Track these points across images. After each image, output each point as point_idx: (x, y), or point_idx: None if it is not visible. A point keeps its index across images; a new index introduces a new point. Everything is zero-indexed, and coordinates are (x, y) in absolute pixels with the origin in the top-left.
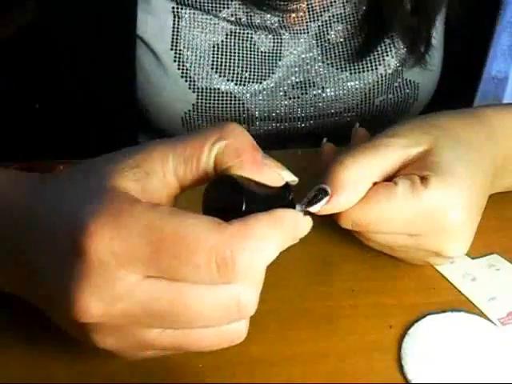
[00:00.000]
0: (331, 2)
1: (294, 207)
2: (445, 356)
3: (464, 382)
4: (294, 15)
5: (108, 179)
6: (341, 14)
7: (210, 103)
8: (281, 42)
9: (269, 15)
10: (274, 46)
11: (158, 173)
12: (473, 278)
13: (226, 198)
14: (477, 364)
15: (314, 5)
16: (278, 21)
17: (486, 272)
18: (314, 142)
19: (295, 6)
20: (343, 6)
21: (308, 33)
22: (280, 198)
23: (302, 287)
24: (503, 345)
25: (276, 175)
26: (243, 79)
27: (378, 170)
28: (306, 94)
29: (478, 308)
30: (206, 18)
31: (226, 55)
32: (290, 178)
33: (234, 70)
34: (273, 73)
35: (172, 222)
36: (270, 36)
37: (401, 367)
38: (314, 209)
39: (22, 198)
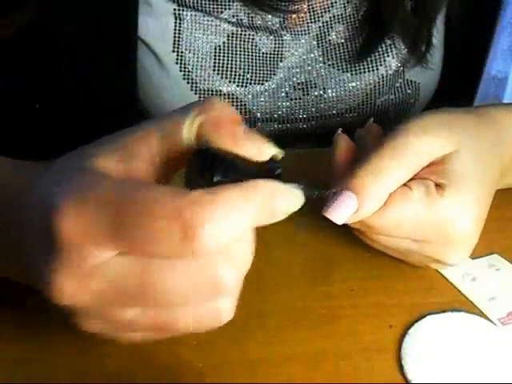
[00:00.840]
0: (332, 3)
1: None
2: (445, 356)
3: (464, 382)
4: (294, 16)
5: (87, 161)
6: (341, 14)
7: None
8: (282, 43)
9: (270, 16)
10: (275, 47)
11: (144, 153)
12: (473, 278)
13: (204, 171)
14: (477, 364)
15: (314, 6)
16: (279, 22)
17: (486, 272)
18: (315, 143)
19: (296, 7)
20: (344, 7)
21: (309, 34)
22: (265, 173)
23: (302, 287)
24: (503, 345)
25: (256, 149)
26: (245, 80)
27: (405, 175)
28: (308, 94)
29: (478, 308)
30: (208, 20)
31: (228, 57)
32: (274, 151)
33: (235, 71)
34: (274, 74)
35: (134, 192)
36: (271, 37)
37: (401, 367)
38: (338, 218)
39: (20, 186)
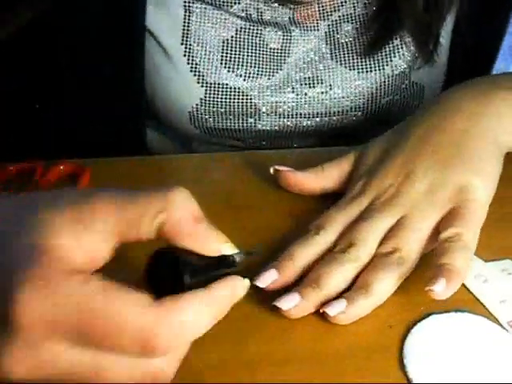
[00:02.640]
0: (342, 3)
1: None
2: (448, 357)
3: (467, 383)
4: (303, 13)
5: (43, 237)
6: (351, 14)
7: (217, 98)
8: (290, 39)
9: (279, 11)
10: (283, 43)
11: (99, 231)
12: (484, 280)
13: (167, 273)
14: (480, 365)
15: (324, 5)
16: (289, 18)
17: (499, 275)
18: (318, 140)
19: (306, 1)
20: (353, 6)
21: (318, 30)
22: (222, 267)
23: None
24: (508, 347)
25: (215, 248)
26: (252, 75)
27: None
28: (314, 90)
29: (488, 310)
30: (217, 13)
31: (236, 51)
32: (231, 251)
33: (242, 65)
34: (281, 69)
35: (102, 299)
36: (279, 32)
37: (402, 367)
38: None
39: None
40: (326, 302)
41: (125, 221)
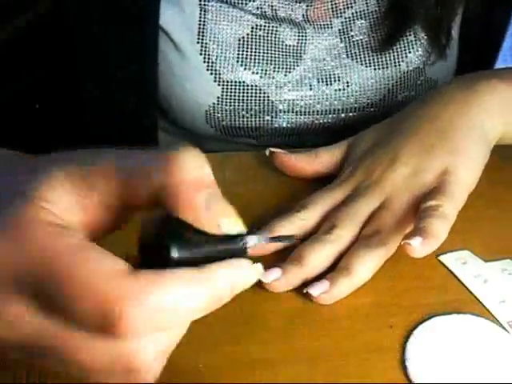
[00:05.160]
0: (354, 0)
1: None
2: (449, 358)
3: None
4: (317, 11)
5: (38, 189)
6: (363, 11)
7: (235, 96)
8: (305, 36)
9: (293, 9)
10: (298, 40)
11: (99, 193)
12: (484, 280)
13: (158, 242)
14: (481, 366)
15: (337, 2)
16: (302, 15)
17: (499, 275)
18: (332, 137)
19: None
20: (366, 3)
21: (332, 28)
22: (226, 248)
23: (302, 287)
24: (508, 347)
25: (212, 222)
26: (268, 72)
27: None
28: (331, 87)
29: (488, 309)
30: (232, 11)
31: (252, 48)
32: (235, 228)
33: (259, 62)
34: (297, 65)
35: (72, 257)
36: (294, 29)
37: (403, 367)
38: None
39: None
40: (309, 283)
41: (126, 182)
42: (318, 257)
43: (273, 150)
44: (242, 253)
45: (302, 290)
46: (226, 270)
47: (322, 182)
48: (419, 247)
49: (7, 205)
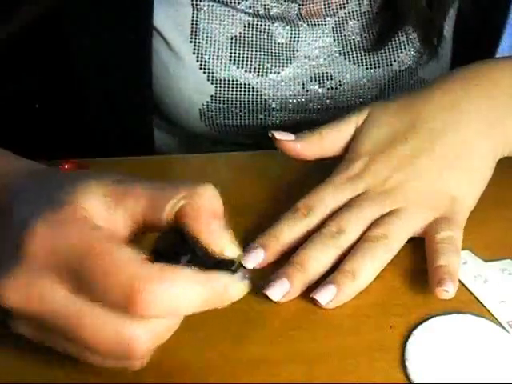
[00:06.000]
0: (347, 0)
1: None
2: (448, 357)
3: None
4: (309, 10)
5: (73, 196)
6: (356, 11)
7: (228, 94)
8: (298, 34)
9: (285, 7)
10: (291, 38)
11: (127, 208)
12: (484, 280)
13: (171, 250)
14: (481, 366)
15: (330, 2)
16: (296, 14)
17: (499, 275)
18: None
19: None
20: (359, 3)
21: (325, 25)
22: (224, 266)
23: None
24: (508, 347)
25: (221, 245)
26: (261, 70)
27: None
28: (323, 86)
29: (488, 310)
30: (225, 10)
31: (244, 47)
32: (232, 254)
33: (251, 61)
34: (290, 64)
35: (103, 244)
36: (287, 27)
37: (403, 367)
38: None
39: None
40: (313, 286)
41: (153, 204)
42: (321, 261)
43: (276, 134)
44: (231, 271)
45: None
46: (224, 279)
47: (324, 172)
48: (452, 290)
49: (49, 200)
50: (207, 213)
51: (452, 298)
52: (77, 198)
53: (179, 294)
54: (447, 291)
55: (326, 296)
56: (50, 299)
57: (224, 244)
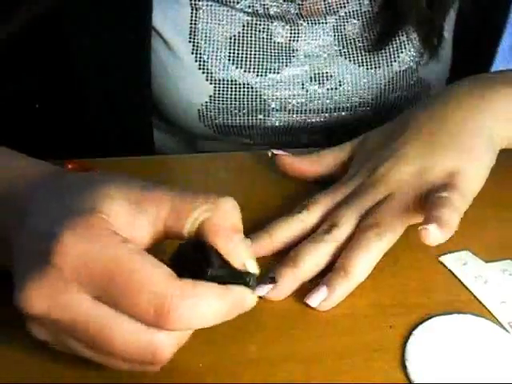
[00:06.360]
0: (348, 0)
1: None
2: (448, 357)
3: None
4: (310, 9)
5: (99, 204)
6: (356, 11)
7: (227, 94)
8: (298, 33)
9: (285, 7)
10: (291, 37)
11: (150, 214)
12: (485, 281)
13: (193, 261)
14: (481, 366)
15: (330, 1)
16: (296, 13)
17: (499, 276)
18: (326, 136)
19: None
20: (359, 3)
21: (326, 24)
22: (241, 279)
23: (303, 287)
24: (508, 347)
25: (241, 259)
26: (260, 70)
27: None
28: (323, 86)
29: (489, 310)
30: (223, 10)
31: (243, 47)
32: (252, 269)
33: (250, 61)
34: (289, 63)
35: (133, 261)
36: (287, 26)
37: (403, 367)
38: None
39: (23, 186)
40: (307, 284)
41: (175, 213)
42: (313, 257)
43: (275, 152)
44: (247, 285)
45: (299, 291)
46: (240, 294)
47: (325, 182)
48: (435, 233)
49: (74, 209)
50: (228, 227)
51: (452, 298)
52: (98, 204)
53: (207, 311)
54: (426, 229)
55: (316, 298)
56: (75, 309)
57: (245, 259)
